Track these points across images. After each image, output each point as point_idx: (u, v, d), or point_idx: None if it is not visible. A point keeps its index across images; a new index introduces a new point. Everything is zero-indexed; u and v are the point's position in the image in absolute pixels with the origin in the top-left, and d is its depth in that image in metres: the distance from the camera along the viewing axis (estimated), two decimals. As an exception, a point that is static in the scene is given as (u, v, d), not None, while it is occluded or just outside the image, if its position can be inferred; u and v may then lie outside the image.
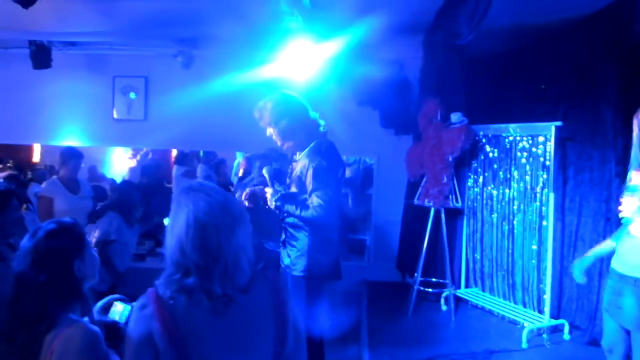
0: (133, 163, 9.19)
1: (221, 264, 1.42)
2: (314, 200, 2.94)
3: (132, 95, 6.08)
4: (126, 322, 1.73)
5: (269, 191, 3.10)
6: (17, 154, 8.04)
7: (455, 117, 4.42)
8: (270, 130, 3.11)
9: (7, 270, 2.30)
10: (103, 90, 6.03)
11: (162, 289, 1.44)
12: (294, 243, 3.08)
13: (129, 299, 1.82)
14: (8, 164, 4.28)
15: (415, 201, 4.63)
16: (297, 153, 3.15)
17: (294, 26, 4.10)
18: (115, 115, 6.11)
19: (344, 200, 6.12)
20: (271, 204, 3.06)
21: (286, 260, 3.13)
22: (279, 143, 3.15)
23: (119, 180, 9.07)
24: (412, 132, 5.33)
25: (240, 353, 1.43)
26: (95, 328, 1.64)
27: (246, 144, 5.90)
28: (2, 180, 3.20)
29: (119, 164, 9.81)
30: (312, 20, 4.10)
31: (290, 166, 3.23)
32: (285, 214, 3.08)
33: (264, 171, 3.26)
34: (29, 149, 9.08)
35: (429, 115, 4.60)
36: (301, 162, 3.06)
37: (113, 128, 6.16)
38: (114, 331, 1.79)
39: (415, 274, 4.58)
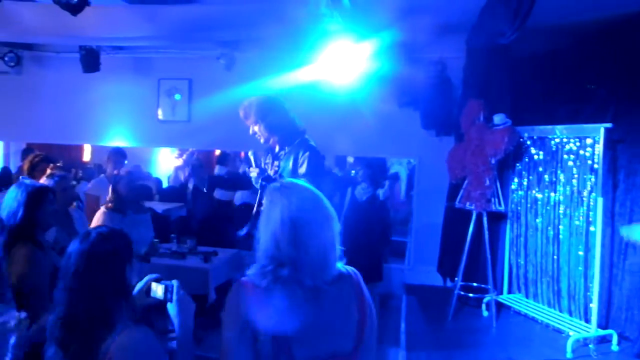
0: (179, 162, 9.40)
1: (311, 257, 1.51)
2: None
3: (178, 96, 6.22)
4: (164, 299, 1.76)
5: (255, 171, 3.26)
6: (68, 154, 8.36)
7: (498, 118, 4.31)
8: (255, 128, 3.31)
9: (46, 259, 2.41)
10: (149, 92, 6.21)
11: (257, 279, 1.54)
12: None
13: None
14: (58, 164, 4.44)
15: (457, 204, 4.54)
16: (285, 147, 3.31)
17: (334, 28, 4.10)
18: (160, 117, 6.27)
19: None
20: (256, 184, 3.22)
21: None
22: (262, 139, 3.32)
23: (165, 180, 9.33)
24: (454, 133, 5.24)
25: (331, 340, 1.54)
26: (148, 330, 1.67)
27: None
28: (46, 177, 3.34)
29: (165, 163, 10.05)
30: (353, 21, 4.09)
31: (276, 162, 3.36)
32: None
33: (250, 154, 3.44)
34: (79, 149, 9.44)
35: (472, 116, 4.50)
36: (292, 155, 3.23)
37: (158, 129, 6.32)
38: (161, 309, 1.83)
39: (456, 278, 4.50)
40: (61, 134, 6.52)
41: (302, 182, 1.67)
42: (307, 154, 3.18)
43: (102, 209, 4.02)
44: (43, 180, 3.29)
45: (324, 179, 3.11)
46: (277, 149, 3.42)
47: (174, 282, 1.80)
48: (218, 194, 7.20)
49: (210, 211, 6.96)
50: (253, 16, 4.24)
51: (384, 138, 5.63)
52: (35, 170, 4.34)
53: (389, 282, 5.50)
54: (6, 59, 6.13)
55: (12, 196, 2.49)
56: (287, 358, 1.49)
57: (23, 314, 1.82)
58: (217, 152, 8.75)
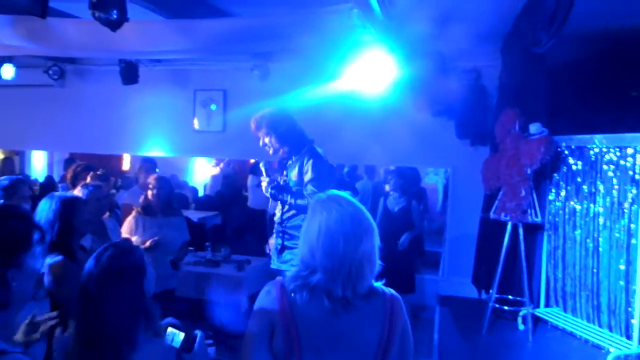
0: (216, 171, 9.55)
1: (345, 269, 1.53)
2: (309, 188, 3.21)
3: (213, 107, 6.34)
4: (181, 348, 1.72)
5: (265, 180, 3.40)
6: (108, 163, 8.61)
7: (534, 127, 4.22)
8: (265, 139, 3.44)
9: (77, 270, 2.48)
10: (185, 103, 6.35)
11: (288, 281, 1.60)
12: (294, 243, 3.25)
13: (181, 324, 1.83)
14: (98, 172, 4.60)
15: (491, 215, 4.46)
16: (293, 157, 3.41)
17: (367, 38, 4.11)
18: (196, 127, 6.40)
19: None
20: (266, 192, 3.38)
21: (283, 266, 3.31)
22: (272, 150, 3.44)
23: (201, 189, 9.47)
24: (490, 143, 5.16)
25: (343, 353, 1.55)
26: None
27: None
28: (81, 187, 3.44)
29: (201, 172, 10.23)
30: (385, 31, 4.09)
31: (284, 172, 3.48)
32: (286, 219, 3.37)
33: (261, 164, 3.55)
34: (119, 159, 9.72)
35: (507, 126, 4.43)
36: (298, 163, 3.35)
37: (194, 139, 6.44)
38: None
39: (491, 290, 4.41)
40: (102, 144, 6.73)
41: (346, 194, 1.67)
42: (310, 161, 3.29)
43: (133, 213, 4.15)
44: (77, 190, 3.39)
45: (331, 185, 3.14)
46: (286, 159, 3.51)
47: (198, 333, 1.78)
48: (252, 202, 7.28)
49: (244, 220, 7.05)
50: (286, 28, 4.28)
51: (418, 147, 5.60)
52: (77, 179, 4.49)
53: (421, 293, 5.44)
54: (50, 72, 6.38)
55: (47, 207, 2.57)
56: None
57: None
58: (252, 161, 8.85)
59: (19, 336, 1.76)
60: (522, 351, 4.02)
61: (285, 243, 3.38)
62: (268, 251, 3.64)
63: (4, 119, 7.02)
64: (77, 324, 1.66)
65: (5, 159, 9.26)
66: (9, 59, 6.14)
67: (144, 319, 1.67)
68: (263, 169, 3.52)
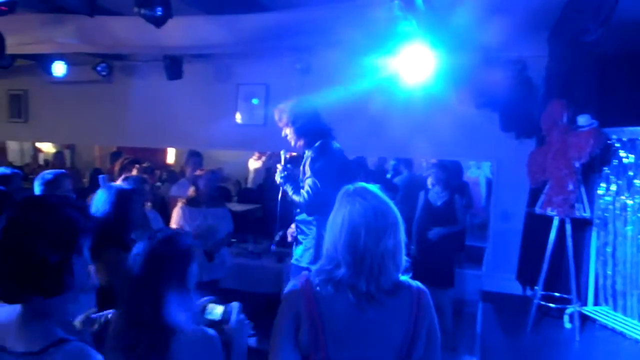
0: (258, 164, 9.65)
1: (367, 264, 1.53)
2: (305, 186, 3.25)
3: (255, 101, 6.40)
4: (221, 320, 1.78)
5: (279, 167, 3.46)
6: (154, 157, 8.84)
7: (583, 119, 4.07)
8: (286, 131, 3.47)
9: None
10: (228, 97, 6.44)
11: (314, 275, 1.61)
12: (303, 238, 3.36)
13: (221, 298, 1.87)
14: (144, 165, 4.74)
15: (537, 210, 4.34)
16: (306, 151, 3.44)
17: (408, 30, 4.06)
18: (238, 121, 6.48)
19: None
20: (277, 179, 3.44)
21: (293, 260, 3.42)
22: (293, 142, 3.47)
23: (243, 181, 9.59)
24: (535, 135, 5.03)
25: (369, 348, 1.55)
26: (213, 332, 1.73)
27: (363, 148, 5.95)
28: (125, 180, 3.54)
29: (243, 165, 10.35)
30: (428, 23, 4.03)
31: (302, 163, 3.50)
32: (297, 213, 3.44)
33: (282, 152, 3.61)
34: (163, 152, 9.96)
35: (554, 118, 4.29)
36: (305, 157, 3.38)
37: (236, 132, 6.53)
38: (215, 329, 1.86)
39: (536, 287, 4.30)
40: (147, 137, 6.92)
41: (373, 187, 1.66)
42: (309, 159, 3.31)
43: (179, 204, 4.28)
44: (120, 183, 3.48)
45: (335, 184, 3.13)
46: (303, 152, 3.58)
47: (235, 304, 1.82)
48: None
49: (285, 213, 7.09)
50: (328, 21, 4.28)
51: (461, 140, 5.51)
52: (124, 172, 4.64)
53: (463, 288, 5.37)
54: (99, 68, 6.58)
55: (103, 199, 2.62)
56: (323, 355, 1.53)
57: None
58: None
59: (77, 324, 1.82)
60: (569, 350, 3.90)
61: (298, 237, 3.41)
62: (278, 238, 3.65)
63: (55, 115, 7.33)
64: (122, 307, 1.71)
65: (56, 153, 9.64)
66: (60, 57, 6.38)
67: (186, 307, 1.71)
68: (282, 157, 3.55)
